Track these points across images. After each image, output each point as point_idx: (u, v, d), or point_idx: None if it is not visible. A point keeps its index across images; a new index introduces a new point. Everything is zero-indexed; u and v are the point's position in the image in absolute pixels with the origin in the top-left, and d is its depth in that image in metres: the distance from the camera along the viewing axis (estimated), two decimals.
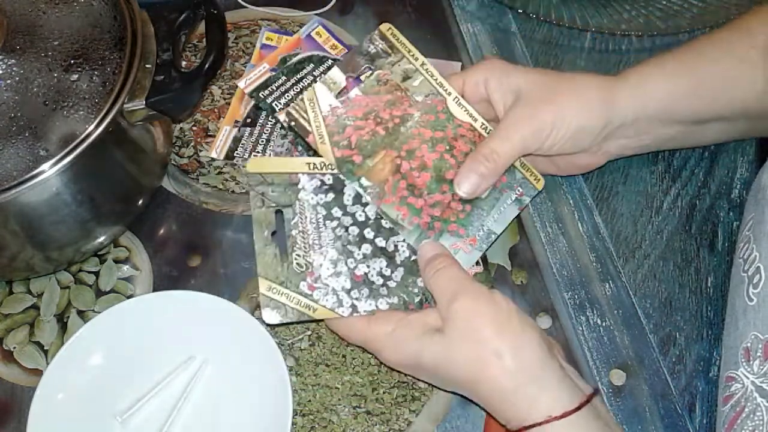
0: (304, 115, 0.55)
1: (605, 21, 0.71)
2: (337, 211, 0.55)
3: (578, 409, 0.46)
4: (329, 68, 0.63)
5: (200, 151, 0.65)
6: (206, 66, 0.54)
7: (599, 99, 0.55)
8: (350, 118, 0.56)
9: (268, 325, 0.52)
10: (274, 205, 0.54)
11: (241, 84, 0.63)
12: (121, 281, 0.60)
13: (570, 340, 0.58)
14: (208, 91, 0.68)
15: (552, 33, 0.72)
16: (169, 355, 0.55)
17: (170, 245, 0.62)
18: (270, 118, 0.65)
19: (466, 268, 0.54)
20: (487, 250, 0.56)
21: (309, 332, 0.58)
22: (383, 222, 0.55)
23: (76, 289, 0.60)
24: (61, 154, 0.49)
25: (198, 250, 0.61)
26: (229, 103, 0.67)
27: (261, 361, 0.53)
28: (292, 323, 0.53)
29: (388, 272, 0.54)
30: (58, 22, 0.54)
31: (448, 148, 0.57)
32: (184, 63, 0.69)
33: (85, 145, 0.50)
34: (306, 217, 0.54)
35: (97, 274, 0.60)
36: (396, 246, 0.55)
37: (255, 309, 0.59)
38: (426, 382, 0.56)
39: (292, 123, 0.55)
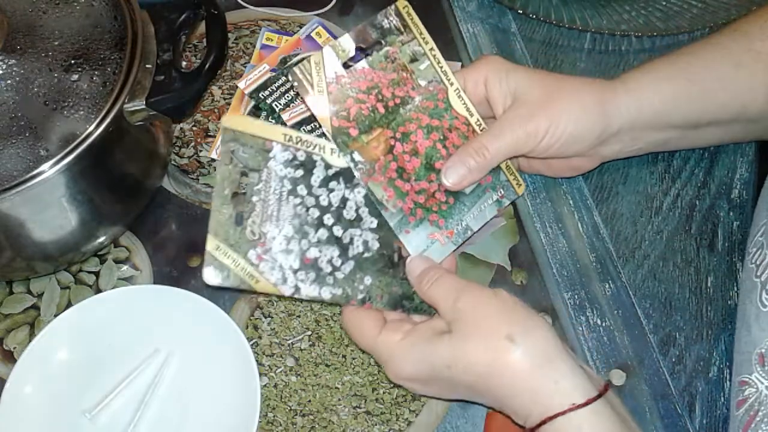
0: (308, 78, 0.55)
1: (605, 21, 0.71)
2: (302, 189, 0.54)
3: (599, 396, 0.45)
4: None
5: (200, 151, 0.65)
6: (206, 66, 0.54)
7: (596, 107, 0.55)
8: (353, 89, 0.56)
9: (207, 285, 0.51)
10: (241, 165, 0.53)
11: (241, 84, 0.63)
12: (121, 281, 0.60)
13: (570, 340, 0.58)
14: (208, 91, 0.68)
15: (552, 33, 0.72)
16: (136, 350, 0.56)
17: (170, 245, 0.62)
18: (270, 119, 0.65)
19: (438, 261, 0.54)
20: (461, 245, 0.56)
21: (309, 332, 0.58)
22: (344, 212, 0.54)
23: (76, 289, 0.60)
24: (61, 154, 0.49)
25: (198, 250, 0.61)
26: (229, 103, 0.67)
27: (228, 352, 0.54)
28: (230, 289, 0.52)
29: (338, 263, 0.53)
30: (59, 22, 0.54)
31: (441, 137, 0.57)
32: (184, 63, 0.69)
33: (85, 145, 0.50)
34: (270, 187, 0.53)
35: (97, 274, 0.60)
36: (352, 239, 0.54)
37: (255, 309, 0.59)
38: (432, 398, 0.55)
39: (296, 83, 0.55)
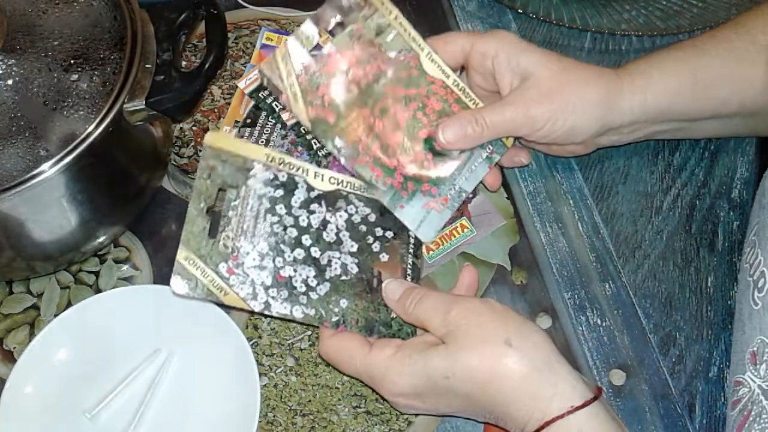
0: (277, 73, 0.54)
1: (605, 21, 0.71)
2: (281, 209, 0.54)
3: (595, 398, 0.46)
4: None
5: (200, 151, 0.65)
6: (206, 66, 0.54)
7: (600, 104, 0.56)
8: (324, 75, 0.55)
9: (174, 293, 0.51)
10: (219, 181, 0.53)
11: (241, 84, 0.62)
12: (121, 281, 0.60)
13: (570, 340, 0.58)
14: (208, 91, 0.68)
15: (552, 33, 0.72)
16: (136, 349, 0.56)
17: (170, 245, 0.62)
18: (270, 119, 0.65)
19: (437, 231, 0.54)
20: (458, 209, 0.56)
21: (309, 332, 0.58)
22: (324, 234, 0.54)
23: (76, 289, 0.60)
24: (61, 154, 0.49)
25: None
26: (229, 103, 0.67)
27: (228, 352, 0.54)
28: (198, 299, 0.52)
29: (314, 283, 0.53)
30: (58, 22, 0.54)
31: (421, 105, 0.56)
32: (184, 63, 0.69)
33: (85, 145, 0.50)
34: (248, 204, 0.53)
35: (97, 274, 0.60)
36: (330, 261, 0.54)
37: None
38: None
39: (265, 81, 0.54)
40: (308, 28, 0.55)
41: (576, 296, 0.59)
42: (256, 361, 0.53)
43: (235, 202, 0.53)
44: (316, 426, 0.55)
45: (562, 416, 0.45)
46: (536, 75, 0.55)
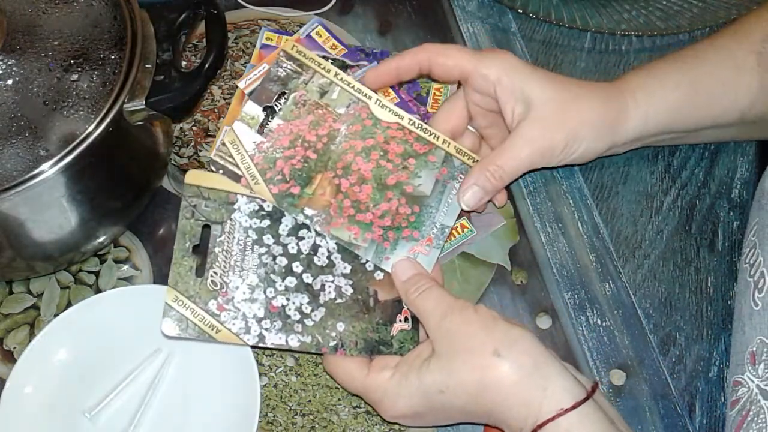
0: (231, 160, 0.54)
1: (605, 21, 0.71)
2: (268, 239, 0.54)
3: (587, 399, 0.46)
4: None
5: (200, 151, 0.65)
6: (206, 66, 0.54)
7: (608, 127, 0.56)
8: (278, 149, 0.55)
9: (165, 336, 0.52)
10: (203, 219, 0.53)
11: (241, 84, 0.63)
12: (121, 281, 0.60)
13: (570, 340, 0.58)
14: (208, 91, 0.68)
15: (552, 33, 0.72)
16: (136, 349, 0.56)
17: (170, 245, 0.61)
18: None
19: (429, 270, 0.54)
20: (444, 246, 0.55)
21: None
22: (315, 259, 0.54)
23: (76, 289, 0.60)
24: (61, 154, 0.49)
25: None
26: (229, 103, 0.67)
27: (228, 352, 0.54)
28: (190, 340, 0.52)
29: (308, 309, 0.53)
30: (58, 22, 0.54)
31: (382, 153, 0.56)
32: (184, 63, 0.69)
33: (85, 145, 0.50)
34: (234, 238, 0.53)
35: (97, 274, 0.60)
36: (323, 285, 0.54)
37: None
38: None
39: (221, 171, 0.54)
40: (251, 108, 0.55)
41: (576, 296, 0.59)
42: (256, 361, 0.53)
43: (221, 237, 0.53)
44: (316, 426, 0.55)
45: (552, 419, 0.45)
46: (542, 104, 0.54)
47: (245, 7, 0.73)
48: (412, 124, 0.57)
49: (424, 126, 0.57)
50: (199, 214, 0.53)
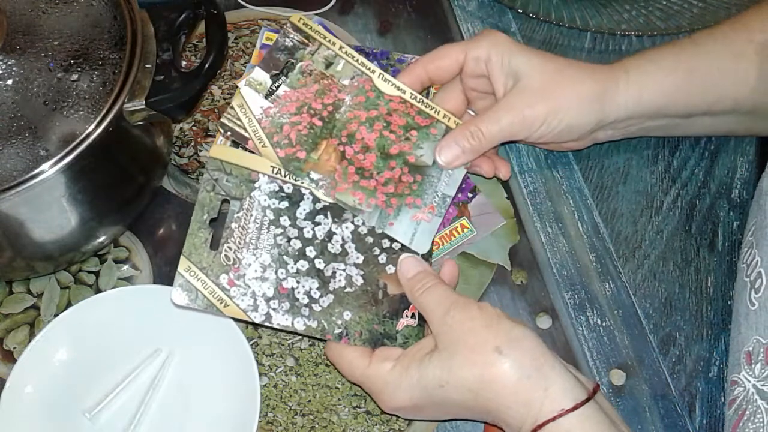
0: (238, 122, 0.55)
1: (605, 21, 0.71)
2: (285, 221, 0.54)
3: (588, 400, 0.46)
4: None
5: (200, 151, 0.65)
6: (206, 66, 0.54)
7: (595, 101, 0.56)
8: (285, 115, 0.56)
9: (175, 304, 0.52)
10: (223, 193, 0.54)
11: (241, 84, 0.62)
12: (121, 281, 0.60)
13: (570, 340, 0.58)
14: (208, 91, 0.68)
15: (552, 33, 0.72)
16: (136, 349, 0.56)
17: (170, 245, 0.62)
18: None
19: (431, 239, 0.55)
20: (445, 215, 0.56)
21: None
22: (329, 246, 0.54)
23: (76, 289, 0.60)
24: (61, 154, 0.49)
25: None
26: (228, 103, 0.67)
27: (228, 352, 0.54)
28: (199, 311, 0.52)
29: (316, 295, 0.53)
30: (58, 22, 0.54)
31: (385, 124, 0.57)
32: (184, 63, 0.69)
33: (85, 145, 0.50)
34: (251, 215, 0.54)
35: (97, 274, 0.60)
36: (334, 273, 0.54)
37: None
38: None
39: (228, 132, 0.55)
40: (258, 74, 0.56)
41: (576, 296, 0.59)
42: (256, 361, 0.53)
43: (239, 213, 0.54)
44: (316, 426, 0.55)
45: (552, 419, 0.45)
46: (528, 76, 0.55)
47: (245, 7, 0.73)
48: (414, 98, 0.58)
49: (426, 101, 0.58)
50: (219, 188, 0.54)
